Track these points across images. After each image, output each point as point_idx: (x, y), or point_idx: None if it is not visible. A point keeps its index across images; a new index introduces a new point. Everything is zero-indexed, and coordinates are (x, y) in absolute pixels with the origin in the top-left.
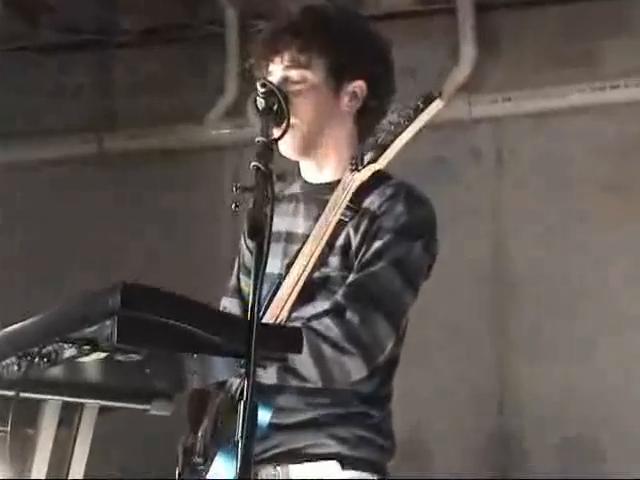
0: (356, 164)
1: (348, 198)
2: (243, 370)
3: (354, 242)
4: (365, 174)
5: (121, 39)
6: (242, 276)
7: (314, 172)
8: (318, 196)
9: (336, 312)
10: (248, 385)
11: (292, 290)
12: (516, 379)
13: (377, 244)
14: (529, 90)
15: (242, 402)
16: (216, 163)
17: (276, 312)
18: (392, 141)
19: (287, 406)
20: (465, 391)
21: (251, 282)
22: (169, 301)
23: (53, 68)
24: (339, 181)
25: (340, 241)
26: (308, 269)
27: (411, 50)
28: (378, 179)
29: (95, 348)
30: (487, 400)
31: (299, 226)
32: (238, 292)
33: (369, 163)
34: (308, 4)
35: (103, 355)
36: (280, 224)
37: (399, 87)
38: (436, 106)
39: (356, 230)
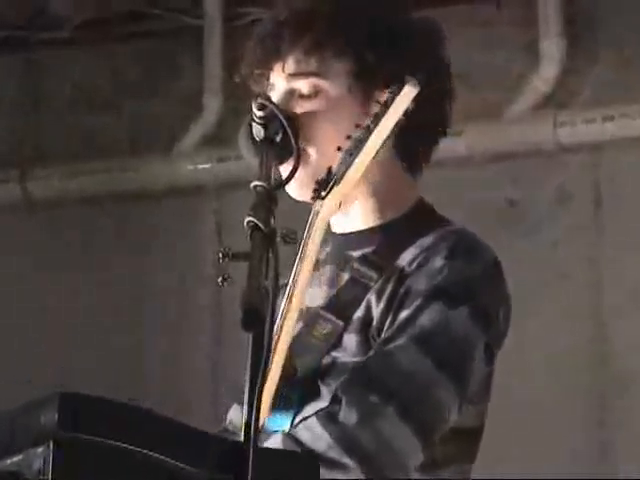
0: (319, 189)
1: (314, 247)
2: None
3: (376, 315)
4: (332, 204)
5: (54, 35)
6: None
7: (339, 218)
8: (346, 251)
9: (328, 411)
10: None
11: (270, 385)
12: None
13: (402, 315)
14: None
15: None
16: (190, 212)
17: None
18: (357, 152)
19: None
20: None
21: (245, 390)
22: (127, 418)
23: None
24: (378, 228)
25: (359, 313)
26: (281, 346)
27: (468, 48)
28: (427, 222)
29: None
30: None
31: (318, 298)
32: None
33: (333, 186)
34: None
35: None
36: None
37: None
38: (406, 96)
39: (379, 297)
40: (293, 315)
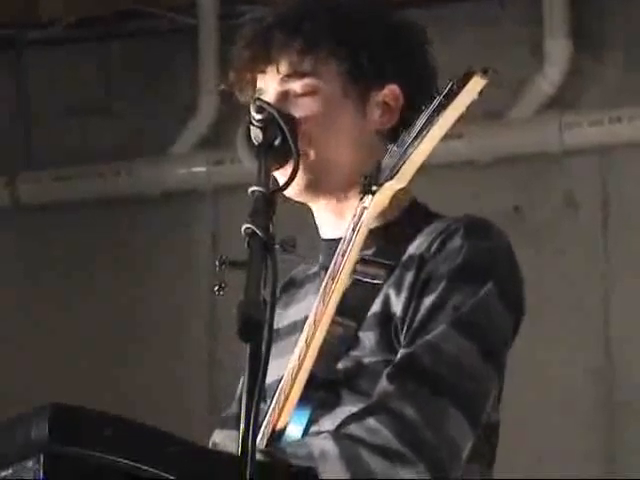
0: (368, 183)
1: (361, 237)
2: None
3: (397, 306)
4: (383, 197)
5: (41, 34)
6: None
7: (332, 222)
8: None
9: (381, 406)
10: None
11: (291, 387)
12: None
13: (429, 300)
14: None
15: None
16: (184, 217)
17: (272, 423)
18: (416, 145)
19: None
20: None
21: (243, 402)
22: (121, 431)
23: None
24: (375, 230)
25: (375, 308)
26: (312, 350)
27: (471, 47)
28: (425, 218)
29: None
30: None
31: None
32: (237, 422)
33: (386, 180)
34: None
35: None
36: (296, 313)
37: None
38: (474, 86)
39: (398, 288)
40: (329, 317)
